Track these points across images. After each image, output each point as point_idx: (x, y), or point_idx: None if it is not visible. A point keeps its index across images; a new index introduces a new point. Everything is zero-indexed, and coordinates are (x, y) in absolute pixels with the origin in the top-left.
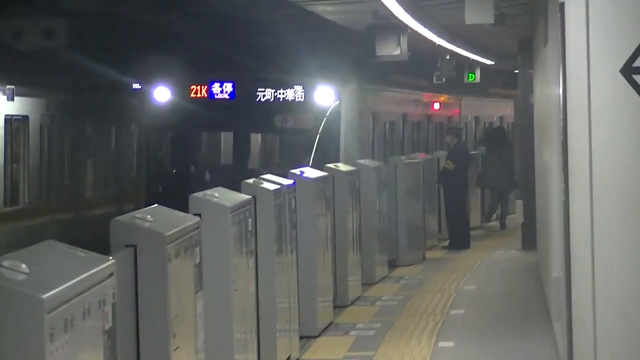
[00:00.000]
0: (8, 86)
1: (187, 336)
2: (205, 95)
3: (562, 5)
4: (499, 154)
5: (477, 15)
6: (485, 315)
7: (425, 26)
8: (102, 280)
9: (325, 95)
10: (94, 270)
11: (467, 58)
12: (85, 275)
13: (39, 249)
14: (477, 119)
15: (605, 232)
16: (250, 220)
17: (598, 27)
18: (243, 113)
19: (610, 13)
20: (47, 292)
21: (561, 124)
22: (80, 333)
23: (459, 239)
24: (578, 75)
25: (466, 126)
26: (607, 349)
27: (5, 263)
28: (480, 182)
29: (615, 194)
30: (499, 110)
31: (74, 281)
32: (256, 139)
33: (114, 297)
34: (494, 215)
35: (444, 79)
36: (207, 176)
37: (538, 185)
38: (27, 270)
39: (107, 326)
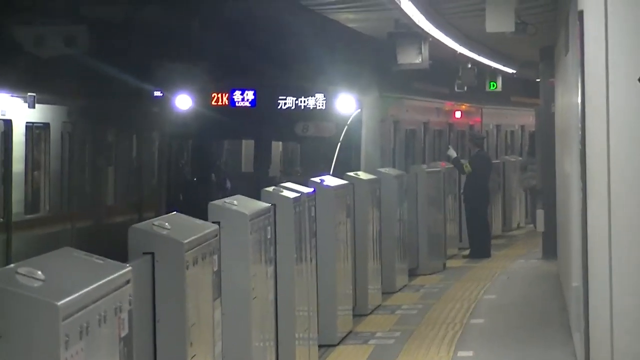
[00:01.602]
0: (29, 93)
1: (205, 344)
2: (227, 103)
3: (580, 13)
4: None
5: (498, 23)
6: (504, 324)
7: (446, 34)
8: (119, 288)
9: (346, 104)
10: (110, 278)
11: (489, 66)
12: (101, 282)
13: (55, 256)
14: (498, 127)
15: (623, 241)
16: (269, 228)
17: (616, 36)
18: (264, 121)
19: (629, 22)
20: (62, 299)
21: (580, 132)
22: (96, 340)
23: (480, 248)
24: (596, 83)
25: (487, 135)
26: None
27: (21, 270)
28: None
29: (633, 203)
30: (521, 119)
31: (89, 288)
32: (277, 147)
33: (130, 305)
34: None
35: (465, 88)
36: (228, 184)
37: (559, 194)
38: (42, 277)
39: (123, 333)
